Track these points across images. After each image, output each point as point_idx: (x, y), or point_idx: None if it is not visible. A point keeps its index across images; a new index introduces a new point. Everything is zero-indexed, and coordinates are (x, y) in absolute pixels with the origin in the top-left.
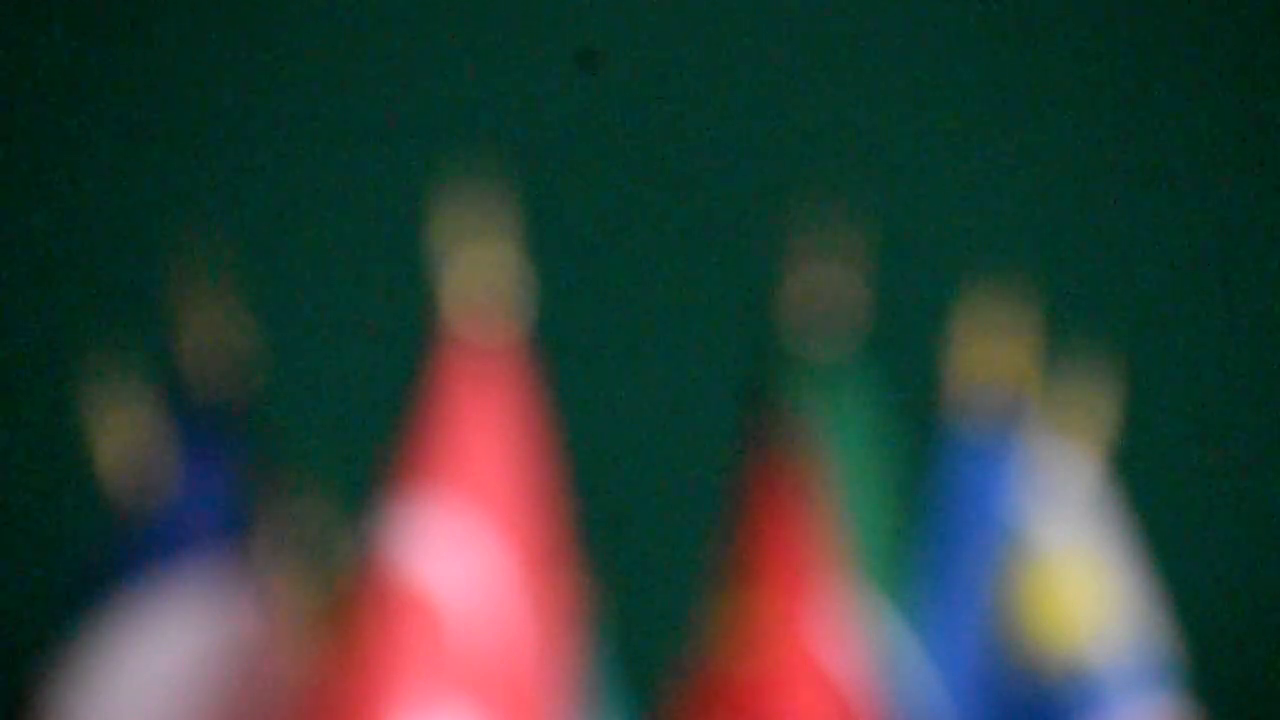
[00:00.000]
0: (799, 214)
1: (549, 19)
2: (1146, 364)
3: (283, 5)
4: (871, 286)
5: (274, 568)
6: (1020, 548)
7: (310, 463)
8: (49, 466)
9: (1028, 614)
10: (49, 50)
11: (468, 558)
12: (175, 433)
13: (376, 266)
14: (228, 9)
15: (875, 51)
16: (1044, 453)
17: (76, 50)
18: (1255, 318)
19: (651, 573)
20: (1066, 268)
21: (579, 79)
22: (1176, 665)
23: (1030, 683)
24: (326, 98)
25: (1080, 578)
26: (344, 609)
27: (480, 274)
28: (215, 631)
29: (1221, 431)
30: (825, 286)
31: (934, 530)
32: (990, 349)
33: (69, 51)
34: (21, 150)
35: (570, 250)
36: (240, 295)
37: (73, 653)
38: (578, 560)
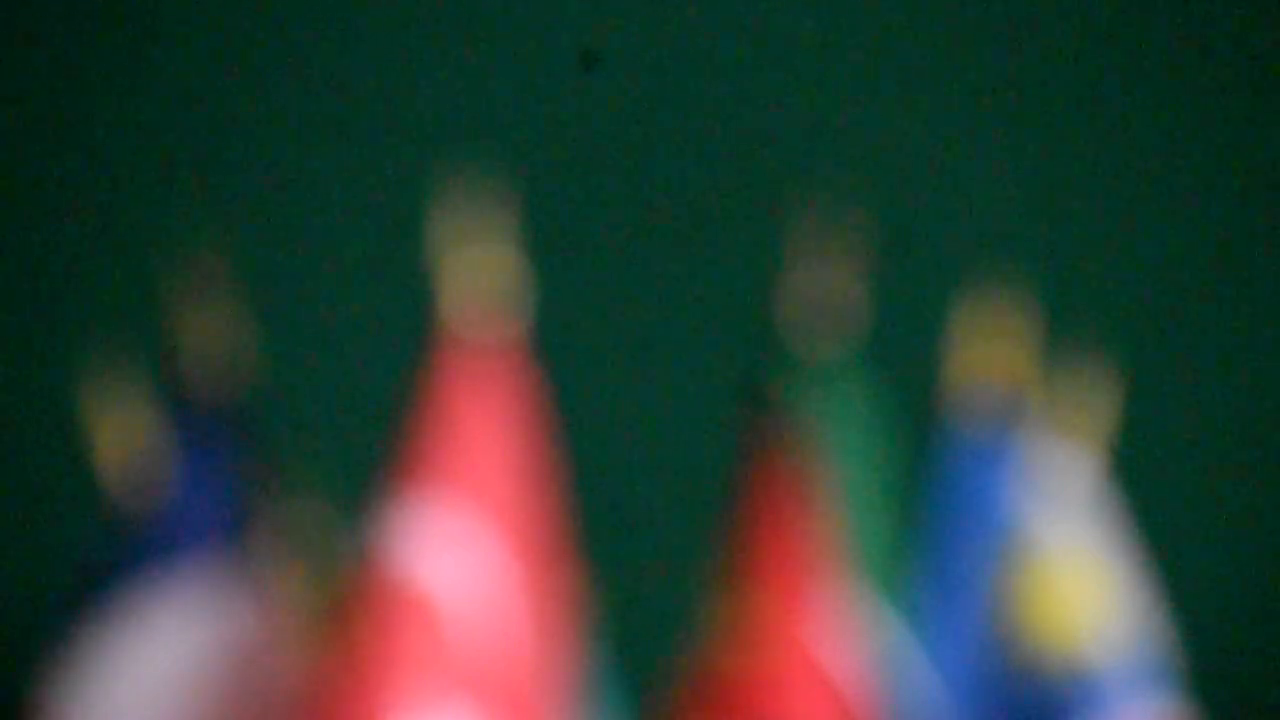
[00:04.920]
0: (799, 214)
1: (550, 20)
2: (1146, 364)
3: (283, 5)
4: (871, 286)
5: (274, 568)
6: (1020, 548)
7: (310, 463)
8: (49, 466)
9: (1028, 614)
10: (49, 50)
11: (467, 557)
12: (175, 433)
13: (376, 267)
14: (228, 9)
15: (875, 51)
16: (1044, 453)
17: (77, 50)
18: (1255, 318)
19: (651, 573)
20: (1066, 268)
21: (579, 79)
22: (1176, 665)
23: (1030, 683)
24: (326, 98)
25: (1080, 578)
26: (343, 609)
27: (480, 274)
28: (215, 631)
29: (1221, 431)
30: (825, 286)
31: (934, 530)
32: (990, 349)
33: (69, 51)
34: (22, 150)
35: (570, 250)
36: (240, 295)
37: (73, 653)
38: (578, 560)
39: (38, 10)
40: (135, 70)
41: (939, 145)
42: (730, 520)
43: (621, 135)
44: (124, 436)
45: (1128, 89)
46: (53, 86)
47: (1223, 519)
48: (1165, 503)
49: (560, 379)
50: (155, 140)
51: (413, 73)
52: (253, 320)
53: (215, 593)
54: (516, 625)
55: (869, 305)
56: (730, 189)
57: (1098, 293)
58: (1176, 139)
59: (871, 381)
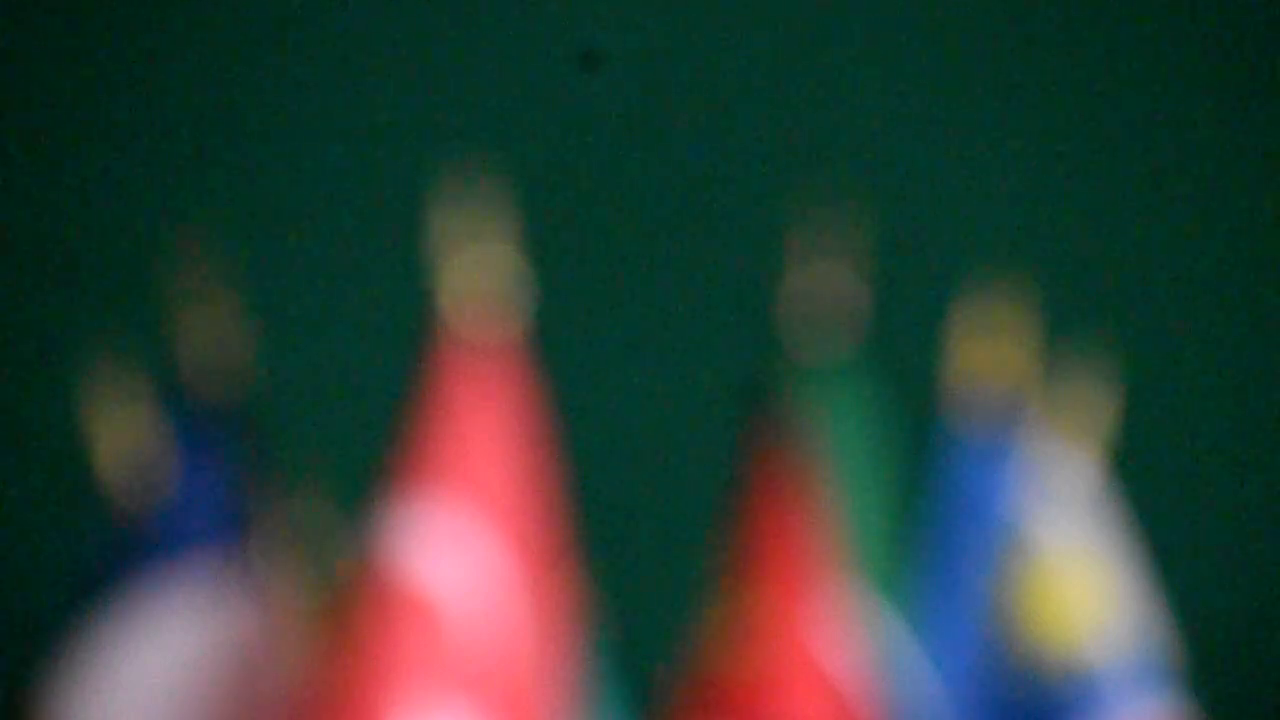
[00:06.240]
0: (799, 214)
1: (549, 19)
2: (1146, 364)
3: (283, 5)
4: (871, 286)
5: (273, 568)
6: (1020, 548)
7: (310, 463)
8: (49, 466)
9: (1027, 614)
10: (49, 50)
11: (467, 557)
12: (174, 433)
13: (376, 266)
14: (228, 9)
15: (875, 51)
16: (1043, 452)
17: (77, 50)
18: (1255, 318)
19: (651, 573)
20: (1066, 268)
21: (579, 79)
22: (1176, 665)
23: (1030, 683)
24: (326, 98)
25: (1080, 578)
26: (343, 609)
27: (480, 274)
28: (214, 631)
29: (1221, 431)
30: (825, 286)
31: (933, 530)
32: (990, 349)
33: (69, 51)
34: (22, 150)
35: (570, 250)
36: (240, 295)
37: (73, 653)
38: (578, 560)
39: (38, 11)
40: (135, 70)
41: (939, 146)
42: (730, 520)
43: (621, 135)
44: (124, 436)
45: (1127, 90)
46: (53, 87)
47: (1223, 519)
48: (1165, 503)
49: (560, 379)
50: (155, 140)
51: (413, 73)
52: (253, 320)
53: (215, 593)
54: (516, 625)
55: (869, 305)
56: (730, 189)
57: (1098, 293)
58: (1176, 139)
59: (871, 381)
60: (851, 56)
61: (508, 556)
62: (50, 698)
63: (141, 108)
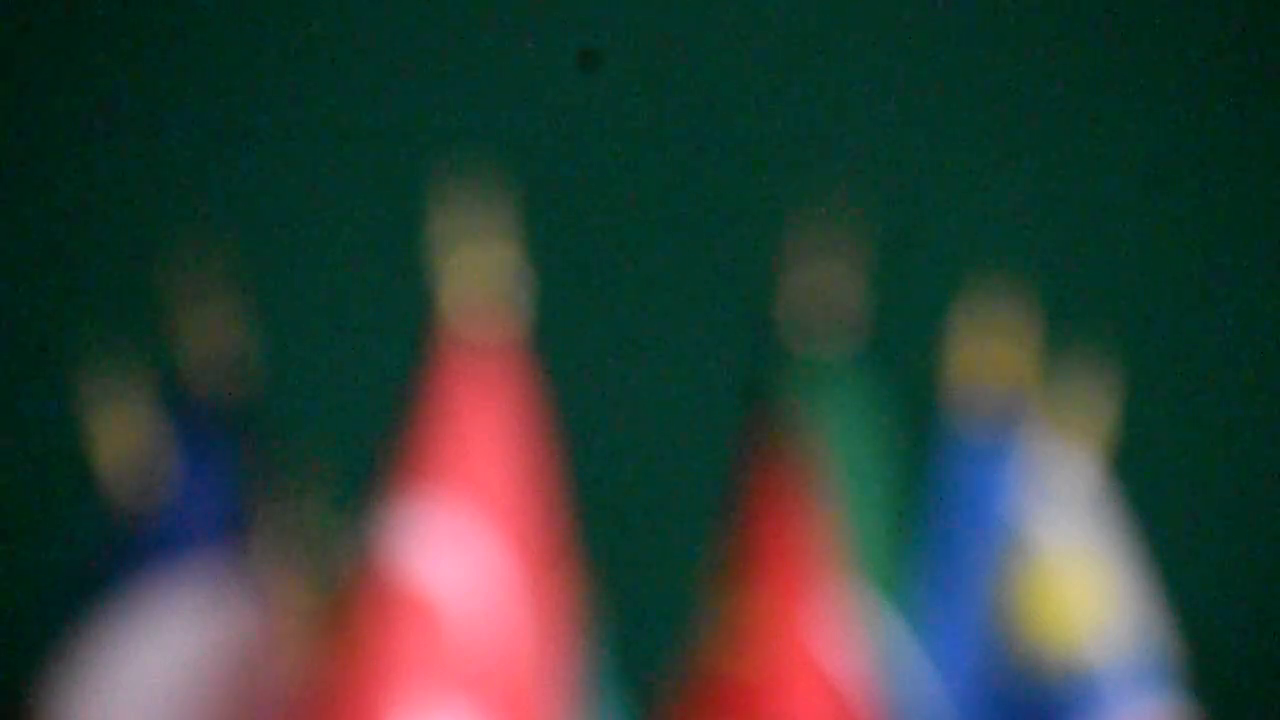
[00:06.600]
0: (799, 214)
1: (549, 19)
2: (1146, 364)
3: (283, 6)
4: (871, 286)
5: (274, 568)
6: (1020, 548)
7: (310, 463)
8: (49, 466)
9: (1028, 614)
10: (50, 50)
11: (467, 557)
12: (175, 432)
13: (376, 267)
14: (228, 9)
15: (875, 51)
16: (1044, 453)
17: (77, 50)
18: (1255, 318)
19: (651, 573)
20: (1066, 268)
21: (579, 79)
22: (1176, 665)
23: (1030, 683)
24: (326, 98)
25: (1080, 578)
26: (344, 609)
27: (480, 274)
28: (214, 631)
29: (1221, 431)
30: (825, 286)
31: (933, 530)
32: (990, 349)
33: (70, 51)
34: (22, 150)
35: (570, 250)
36: (240, 295)
37: (73, 653)
38: (578, 560)
39: (38, 11)
40: (135, 71)
41: (939, 146)
42: (730, 520)
43: (621, 135)
44: (124, 436)
45: (1128, 89)
46: (54, 87)
47: (1223, 519)
48: (1165, 503)
49: (560, 379)
50: (156, 141)
51: (413, 72)
52: (253, 320)
53: (215, 593)
54: (516, 625)
55: (869, 305)
56: (730, 189)
57: (1098, 293)
58: (1175, 140)
59: (871, 381)
60: (852, 56)
61: (508, 556)
62: (50, 698)
63: (142, 108)
